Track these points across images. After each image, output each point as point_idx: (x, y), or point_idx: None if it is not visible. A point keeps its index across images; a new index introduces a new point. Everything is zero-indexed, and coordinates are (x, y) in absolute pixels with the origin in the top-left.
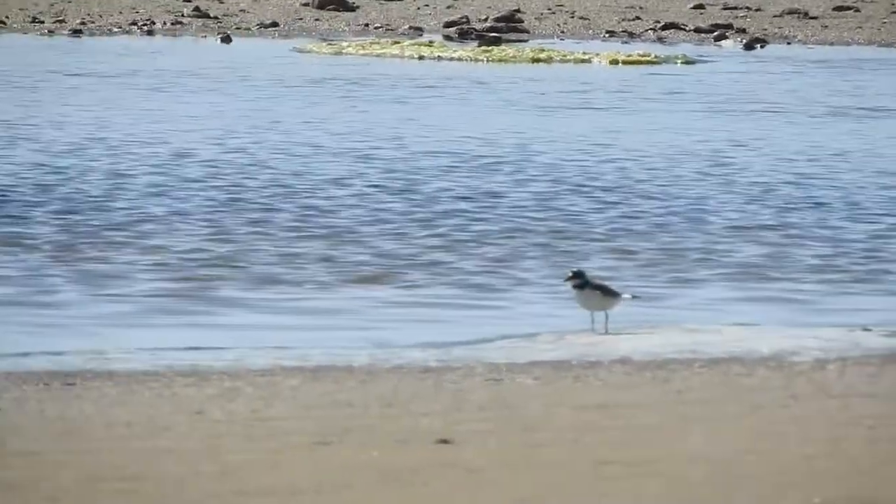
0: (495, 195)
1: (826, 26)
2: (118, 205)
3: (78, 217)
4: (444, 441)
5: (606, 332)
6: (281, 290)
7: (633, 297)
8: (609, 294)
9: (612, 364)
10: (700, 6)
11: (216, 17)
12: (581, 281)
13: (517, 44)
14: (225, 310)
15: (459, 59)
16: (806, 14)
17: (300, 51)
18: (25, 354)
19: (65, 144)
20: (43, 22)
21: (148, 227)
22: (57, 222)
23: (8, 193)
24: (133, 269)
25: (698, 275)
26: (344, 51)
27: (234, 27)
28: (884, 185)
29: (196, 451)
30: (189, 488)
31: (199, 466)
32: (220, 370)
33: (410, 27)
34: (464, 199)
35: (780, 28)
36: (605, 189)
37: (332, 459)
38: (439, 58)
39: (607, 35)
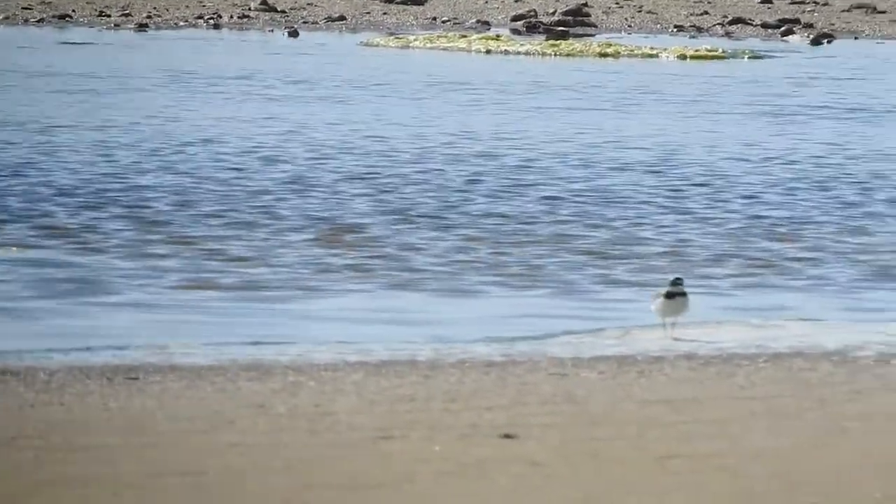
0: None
1: (894, 21)
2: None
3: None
4: (508, 436)
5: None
6: (345, 283)
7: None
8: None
9: (676, 359)
10: (767, 1)
11: (283, 11)
12: (679, 289)
13: (584, 38)
14: (288, 304)
15: (527, 54)
16: (874, 8)
17: (367, 45)
18: (88, 349)
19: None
20: (109, 16)
21: (231, 217)
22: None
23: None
24: (200, 259)
25: (763, 268)
26: (411, 44)
27: (301, 21)
28: None
29: (259, 445)
30: (252, 482)
31: (262, 461)
32: (283, 364)
33: (478, 21)
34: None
35: (847, 23)
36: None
37: (394, 454)
38: (506, 52)
39: (675, 30)
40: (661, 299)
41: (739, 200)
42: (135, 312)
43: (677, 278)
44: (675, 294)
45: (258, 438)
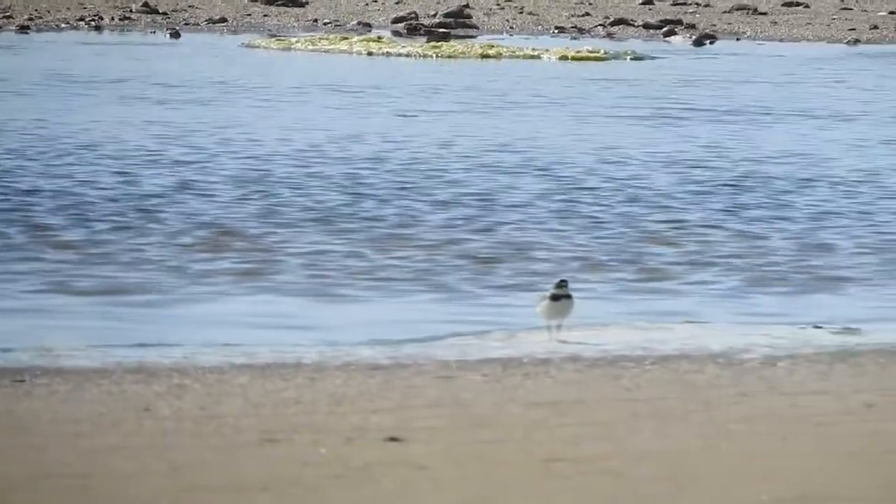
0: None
1: (775, 22)
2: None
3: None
4: (394, 439)
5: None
6: (230, 287)
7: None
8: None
9: (562, 361)
10: (649, 2)
11: (164, 13)
12: (564, 291)
13: (466, 39)
14: (176, 307)
15: (408, 55)
16: (755, 10)
17: (249, 46)
18: None
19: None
20: None
21: (148, 203)
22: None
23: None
24: (85, 264)
25: (648, 272)
26: (293, 46)
27: (183, 23)
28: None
29: (144, 447)
30: (137, 485)
31: (148, 464)
32: (168, 367)
33: (359, 23)
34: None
35: (729, 24)
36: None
37: (280, 457)
38: (388, 53)
39: (556, 31)
40: (546, 301)
41: (623, 204)
42: (20, 316)
43: (562, 280)
44: (560, 296)
45: (143, 441)
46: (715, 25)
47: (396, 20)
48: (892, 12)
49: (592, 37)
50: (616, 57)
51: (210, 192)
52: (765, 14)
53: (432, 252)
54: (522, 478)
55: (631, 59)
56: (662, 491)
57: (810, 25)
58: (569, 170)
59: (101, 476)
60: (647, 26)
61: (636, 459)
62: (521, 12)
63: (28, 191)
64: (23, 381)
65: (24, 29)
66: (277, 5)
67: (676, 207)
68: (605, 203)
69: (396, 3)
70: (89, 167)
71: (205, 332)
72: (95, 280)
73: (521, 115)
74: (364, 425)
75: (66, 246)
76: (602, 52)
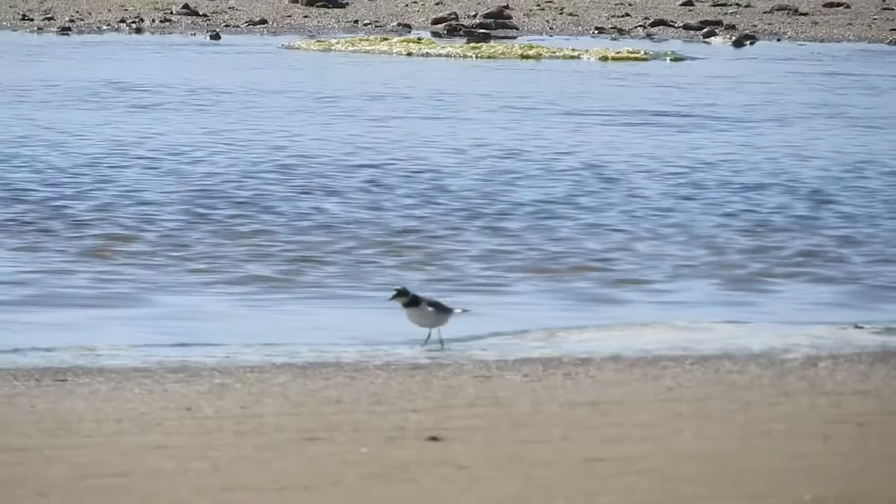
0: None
1: (816, 23)
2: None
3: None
4: (434, 438)
5: (442, 347)
6: (277, 288)
7: (464, 310)
8: (441, 310)
9: (602, 361)
10: (689, 3)
11: (205, 15)
12: (409, 298)
13: (506, 40)
14: (218, 307)
15: (448, 56)
16: (796, 11)
17: (289, 48)
18: (16, 350)
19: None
20: (32, 19)
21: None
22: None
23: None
24: (131, 266)
25: (688, 272)
26: (333, 47)
27: (223, 24)
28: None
29: (185, 447)
30: (178, 484)
31: (189, 463)
32: (210, 367)
33: (399, 24)
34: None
35: (769, 24)
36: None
37: (320, 456)
38: (427, 54)
39: (596, 32)
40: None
41: (662, 205)
42: (62, 316)
43: (400, 289)
44: (409, 303)
45: (185, 440)
46: (755, 26)
47: (436, 21)
48: None
49: (632, 37)
50: (656, 57)
51: (273, 204)
52: (805, 14)
53: (480, 259)
54: (562, 478)
55: (671, 59)
56: (704, 491)
57: (851, 26)
58: (618, 173)
59: (143, 475)
60: (687, 27)
61: (678, 459)
62: (561, 13)
63: (76, 194)
64: (65, 380)
65: (65, 31)
66: (318, 6)
67: (727, 210)
68: (651, 204)
69: (436, 3)
70: (147, 171)
71: (246, 331)
72: (136, 280)
73: (559, 118)
74: (404, 424)
75: (109, 247)
76: (642, 52)
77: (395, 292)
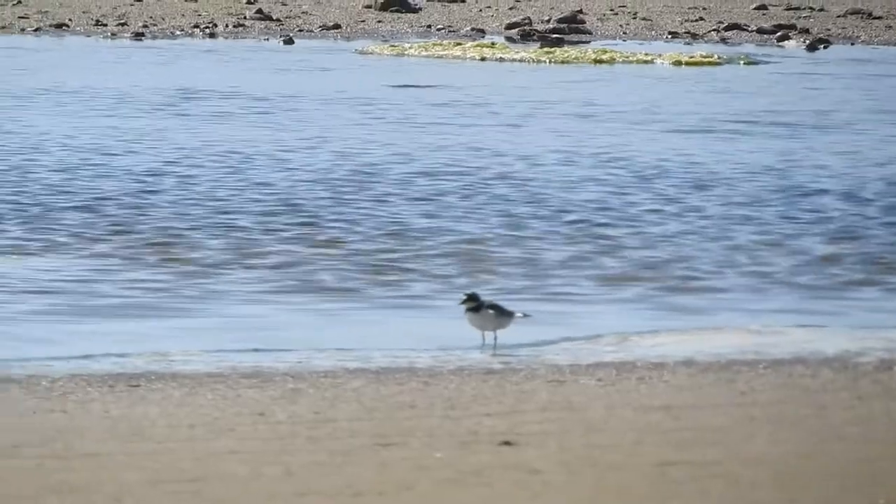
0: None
1: (890, 27)
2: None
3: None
4: (507, 443)
5: (494, 352)
6: (343, 294)
7: (525, 315)
8: (502, 314)
9: (676, 365)
10: (763, 7)
11: (278, 20)
12: (476, 304)
13: (579, 45)
14: (287, 313)
15: (521, 61)
16: (870, 14)
17: (363, 52)
18: (89, 357)
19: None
20: (106, 25)
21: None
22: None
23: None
24: (203, 273)
25: (762, 277)
26: (406, 52)
27: (297, 29)
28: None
29: (258, 452)
30: (251, 489)
31: (262, 468)
32: (283, 372)
33: (473, 29)
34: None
35: (843, 28)
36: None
37: (394, 461)
38: (501, 59)
39: (670, 36)
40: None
41: (735, 214)
42: (134, 322)
43: (470, 294)
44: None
45: (258, 445)
46: (829, 30)
47: (510, 26)
48: None
49: (706, 42)
50: (729, 61)
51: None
52: (879, 18)
53: (554, 265)
54: (635, 482)
55: (744, 63)
56: (778, 496)
57: None
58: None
59: (216, 480)
60: (760, 31)
61: (751, 464)
62: (635, 17)
63: (150, 195)
64: (138, 385)
65: (138, 36)
66: (391, 11)
67: (801, 215)
68: (719, 210)
69: (510, 8)
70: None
71: (318, 337)
72: (208, 287)
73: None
74: (477, 429)
75: (182, 254)
76: (715, 56)
77: (465, 297)
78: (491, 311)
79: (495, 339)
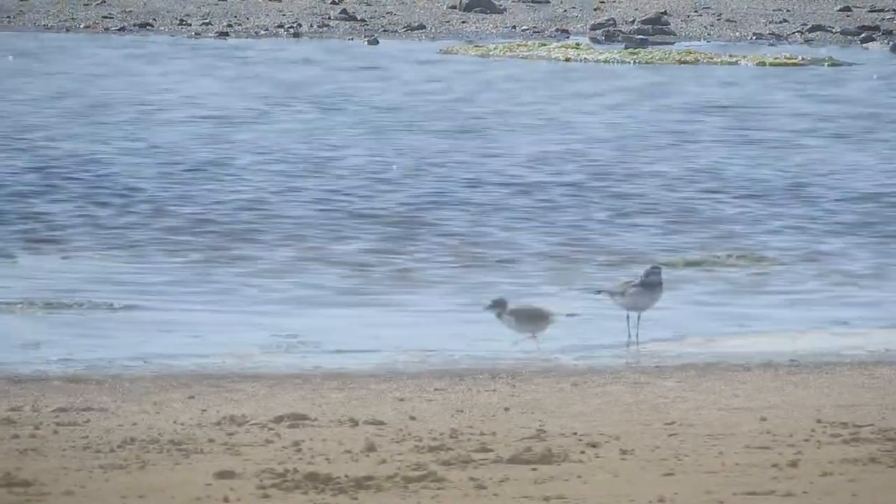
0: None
1: None
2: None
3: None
4: (591, 445)
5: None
6: (432, 293)
7: (570, 315)
8: (537, 316)
9: (759, 367)
10: (847, 8)
11: (363, 20)
12: (500, 309)
13: (663, 46)
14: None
15: (606, 62)
16: None
17: (446, 52)
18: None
19: None
20: (190, 24)
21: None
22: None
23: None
24: (285, 276)
25: (847, 280)
26: (490, 52)
27: (381, 29)
28: None
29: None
30: None
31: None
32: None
33: (557, 29)
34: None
35: None
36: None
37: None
38: (585, 60)
39: (754, 37)
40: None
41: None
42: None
43: (497, 300)
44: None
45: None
46: None
47: (595, 27)
48: None
49: (790, 43)
50: (813, 63)
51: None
52: None
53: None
54: (719, 483)
55: (828, 65)
56: (857, 497)
57: None
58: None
59: None
60: (844, 33)
61: (833, 464)
62: (719, 19)
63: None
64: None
65: (222, 35)
66: (476, 12)
67: (887, 220)
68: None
69: (595, 9)
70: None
71: (400, 337)
72: (291, 290)
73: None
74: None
75: (263, 256)
76: (800, 58)
77: (490, 303)
78: (511, 317)
79: (537, 340)
